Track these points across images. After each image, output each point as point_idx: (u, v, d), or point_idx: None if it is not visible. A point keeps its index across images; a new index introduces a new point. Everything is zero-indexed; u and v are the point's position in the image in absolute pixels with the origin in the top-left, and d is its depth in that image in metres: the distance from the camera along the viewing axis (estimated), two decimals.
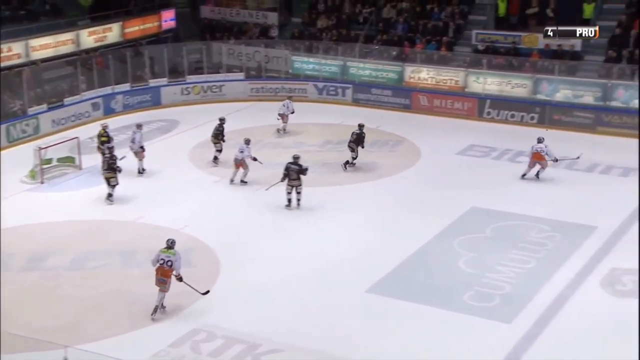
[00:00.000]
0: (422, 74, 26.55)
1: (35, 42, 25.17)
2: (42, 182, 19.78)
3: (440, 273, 15.16)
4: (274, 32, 30.69)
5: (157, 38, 29.54)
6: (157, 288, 13.40)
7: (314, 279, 14.94)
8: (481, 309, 13.82)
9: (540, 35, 26.34)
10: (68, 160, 20.82)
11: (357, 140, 20.69)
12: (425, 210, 18.04)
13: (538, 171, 19.69)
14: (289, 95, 25.31)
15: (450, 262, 15.56)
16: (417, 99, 26.35)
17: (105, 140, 20.30)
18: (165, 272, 13.27)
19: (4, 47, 23.96)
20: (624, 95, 23.69)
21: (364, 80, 27.38)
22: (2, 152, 21.91)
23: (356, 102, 27.13)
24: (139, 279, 14.85)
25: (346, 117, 25.41)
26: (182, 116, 25.56)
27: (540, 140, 19.56)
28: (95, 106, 25.39)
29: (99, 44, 27.25)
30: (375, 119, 24.98)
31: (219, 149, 21.05)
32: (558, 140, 22.58)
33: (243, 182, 19.61)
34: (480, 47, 27.16)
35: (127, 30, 28.48)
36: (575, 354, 12.43)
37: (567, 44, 26.02)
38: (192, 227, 17.07)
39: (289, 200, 18.00)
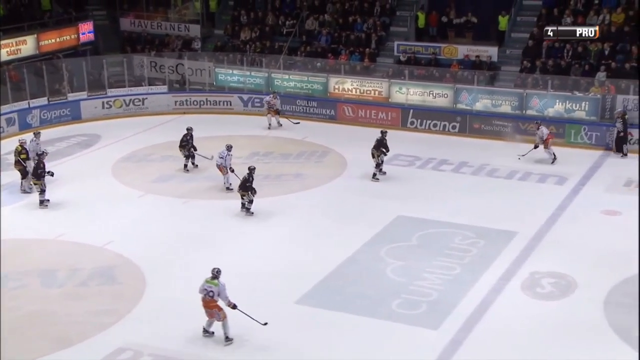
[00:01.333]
0: (347, 85, 26.78)
1: None
2: None
3: (368, 282, 15.25)
4: (197, 45, 30.43)
5: (76, 51, 28.90)
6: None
7: (243, 291, 14.70)
8: (409, 317, 13.96)
9: (459, 47, 27.14)
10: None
11: (378, 145, 20.82)
12: (353, 220, 18.13)
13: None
14: (273, 91, 26.22)
15: (379, 270, 15.68)
16: (342, 109, 26.55)
17: (24, 157, 19.69)
18: (207, 304, 12.94)
19: None
20: (539, 104, 24.42)
21: (289, 91, 27.43)
22: None
23: (282, 113, 27.06)
24: (59, 299, 14.55)
25: (272, 129, 25.42)
26: (104, 130, 25.06)
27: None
28: (9, 121, 24.65)
29: (12, 57, 26.48)
30: (301, 131, 25.09)
31: (185, 155, 21.31)
32: (479, 149, 23.22)
33: (228, 188, 19.74)
34: (402, 58, 27.58)
35: (42, 43, 27.78)
36: (499, 356, 12.67)
37: (485, 54, 26.72)
38: (116, 243, 16.76)
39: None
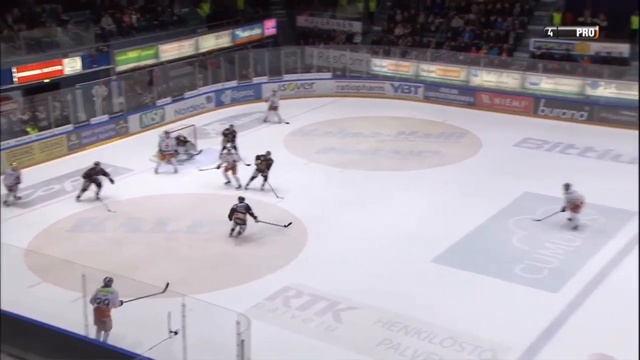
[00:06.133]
0: (485, 76, 25.92)
1: (164, 46, 25.84)
2: (169, 162, 19.49)
3: (496, 248, 14.85)
4: (358, 39, 30.55)
5: (260, 43, 29.84)
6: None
7: (386, 249, 14.90)
8: (531, 280, 13.51)
9: (592, 43, 25.37)
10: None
11: (267, 165, 17.90)
12: (485, 193, 17.68)
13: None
14: (274, 90, 24.99)
15: (505, 238, 15.23)
16: (480, 97, 25.74)
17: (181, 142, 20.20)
18: (103, 313, 10.99)
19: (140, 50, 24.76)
20: None
21: (434, 80, 26.94)
22: (135, 136, 22.65)
23: (427, 99, 26.72)
24: (239, 244, 15.15)
25: (418, 111, 25.14)
26: (280, 108, 25.77)
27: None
28: (209, 99, 25.87)
29: (213, 47, 27.77)
30: (443, 114, 24.62)
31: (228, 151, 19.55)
32: (603, 135, 21.82)
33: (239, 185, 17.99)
34: (537, 53, 26.26)
35: (236, 37, 28.91)
36: (613, 320, 12.03)
37: (616, 51, 24.88)
38: (285, 201, 17.25)
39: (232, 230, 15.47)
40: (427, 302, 12.78)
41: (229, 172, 18.21)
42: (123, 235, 15.61)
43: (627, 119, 22.80)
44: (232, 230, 15.29)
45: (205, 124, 23.39)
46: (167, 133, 19.76)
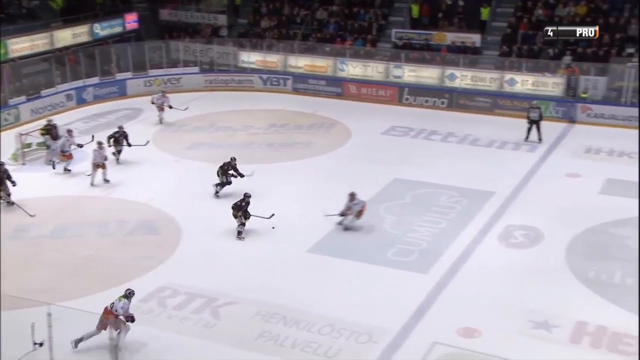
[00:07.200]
0: (351, 66, 26.60)
1: (13, 41, 24.26)
2: (23, 164, 19.16)
3: (369, 234, 15.31)
4: (224, 32, 30.30)
5: (122, 37, 28.78)
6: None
7: (262, 242, 14.92)
8: (402, 263, 14.06)
9: (447, 34, 26.82)
10: (45, 145, 20.16)
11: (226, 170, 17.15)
12: (356, 181, 18.03)
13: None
14: (163, 90, 24.06)
15: (377, 224, 15.73)
16: (347, 87, 26.37)
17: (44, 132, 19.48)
18: (105, 311, 11.02)
19: None
20: (515, 83, 24.19)
21: (301, 72, 27.24)
22: None
23: (296, 90, 26.98)
24: (110, 246, 14.65)
25: (288, 103, 25.35)
26: (146, 105, 24.98)
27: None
28: (69, 97, 24.61)
29: (71, 43, 26.41)
30: (312, 105, 25.00)
31: (118, 149, 19.24)
32: (462, 121, 23.11)
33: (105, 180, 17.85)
34: (399, 43, 27.32)
35: (94, 31, 27.69)
36: (478, 296, 12.78)
37: (469, 41, 26.43)
38: (157, 200, 16.84)
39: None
40: (305, 292, 12.95)
41: (99, 170, 17.74)
42: None
43: (482, 104, 24.27)
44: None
45: (67, 123, 22.22)
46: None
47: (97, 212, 16.39)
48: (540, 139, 20.85)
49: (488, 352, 10.94)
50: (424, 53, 26.41)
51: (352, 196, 15.26)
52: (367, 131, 22.31)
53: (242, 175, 16.94)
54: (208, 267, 13.81)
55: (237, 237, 14.98)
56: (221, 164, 17.19)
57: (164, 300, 12.63)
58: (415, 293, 12.86)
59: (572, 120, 22.95)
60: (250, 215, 15.00)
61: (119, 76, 26.28)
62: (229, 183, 17.06)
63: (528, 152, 20.33)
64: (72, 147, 18.82)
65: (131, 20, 29.55)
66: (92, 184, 17.73)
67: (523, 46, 25.49)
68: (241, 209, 14.93)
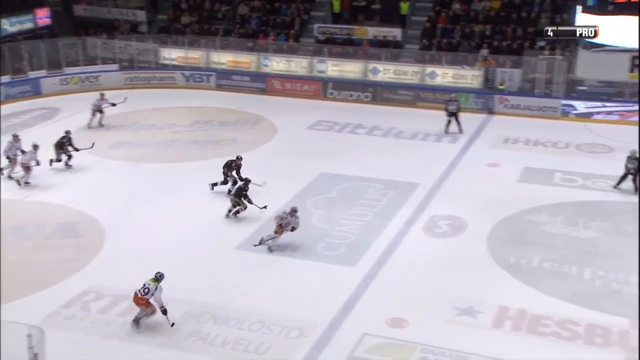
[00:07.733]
0: (275, 62, 26.52)
1: None
2: None
3: (297, 229, 15.32)
4: (143, 28, 29.62)
5: (34, 34, 27.65)
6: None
7: (189, 241, 14.72)
8: (331, 257, 14.16)
9: (369, 29, 27.17)
10: None
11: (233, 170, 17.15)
12: (282, 177, 18.11)
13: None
14: (102, 93, 22.99)
15: (305, 219, 15.70)
16: (271, 83, 26.30)
17: None
18: (135, 298, 11.48)
19: None
20: (435, 76, 24.78)
21: (225, 68, 26.96)
22: None
23: (220, 87, 26.70)
24: (29, 250, 14.10)
25: (211, 100, 25.06)
26: (63, 104, 24.20)
27: None
28: None
29: None
30: (237, 101, 24.81)
31: (66, 154, 18.66)
32: (386, 114, 23.47)
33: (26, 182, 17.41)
34: (321, 38, 27.46)
35: (2, 27, 26.46)
36: (405, 285, 13.04)
37: (390, 35, 26.85)
38: (78, 202, 16.35)
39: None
40: (234, 289, 12.86)
41: (24, 171, 17.28)
42: None
43: (405, 98, 24.73)
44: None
45: None
46: (15, 136, 18.13)
47: (14, 215, 15.70)
48: (460, 130, 21.44)
49: (416, 341, 11.20)
50: (347, 48, 26.66)
51: (294, 211, 14.43)
52: (292, 126, 22.34)
53: (241, 179, 16.42)
54: (133, 268, 13.45)
55: (231, 215, 15.52)
56: (227, 161, 16.98)
57: (87, 304, 12.28)
58: (344, 286, 12.98)
59: (490, 112, 23.73)
60: (250, 201, 15.40)
61: (32, 74, 25.30)
62: (226, 183, 16.82)
63: (450, 144, 20.87)
64: (18, 151, 17.93)
65: (43, 16, 28.42)
66: (9, 177, 17.29)
67: (442, 40, 26.12)
68: (243, 194, 15.37)
